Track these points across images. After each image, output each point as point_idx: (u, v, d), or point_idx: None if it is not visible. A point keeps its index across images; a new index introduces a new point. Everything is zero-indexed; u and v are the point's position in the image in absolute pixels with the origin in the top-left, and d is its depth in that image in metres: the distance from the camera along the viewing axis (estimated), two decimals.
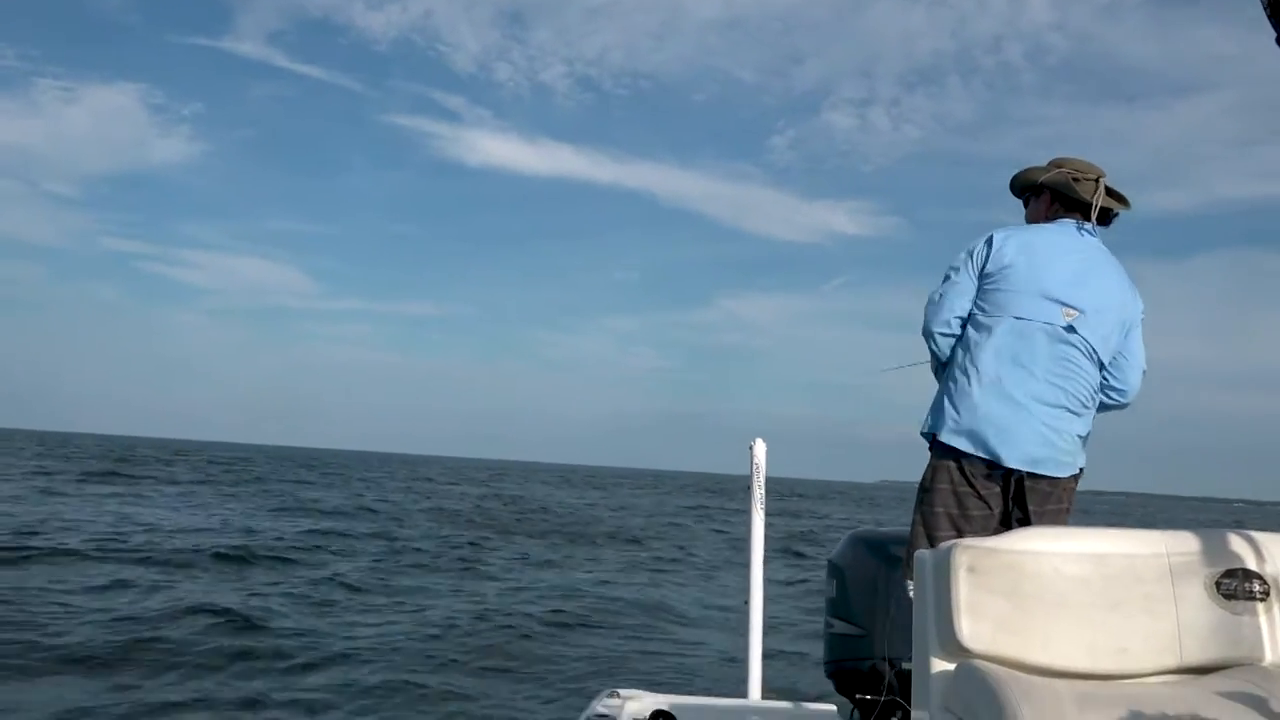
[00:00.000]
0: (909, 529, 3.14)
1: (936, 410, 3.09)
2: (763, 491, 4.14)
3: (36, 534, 15.23)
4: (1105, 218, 3.16)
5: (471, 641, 9.31)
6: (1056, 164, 3.21)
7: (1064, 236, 3.09)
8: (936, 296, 3.14)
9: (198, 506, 23.91)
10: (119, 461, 47.13)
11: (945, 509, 2.97)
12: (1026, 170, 3.30)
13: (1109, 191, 3.14)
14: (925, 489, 3.05)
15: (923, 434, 3.13)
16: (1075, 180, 3.13)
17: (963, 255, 3.12)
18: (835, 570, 3.75)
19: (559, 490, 52.33)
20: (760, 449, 4.16)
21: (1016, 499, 2.96)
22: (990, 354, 2.97)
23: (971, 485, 2.95)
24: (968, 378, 3.00)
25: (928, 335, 3.17)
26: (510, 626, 10.03)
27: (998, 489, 2.95)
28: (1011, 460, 2.92)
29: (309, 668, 8.03)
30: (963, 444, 2.96)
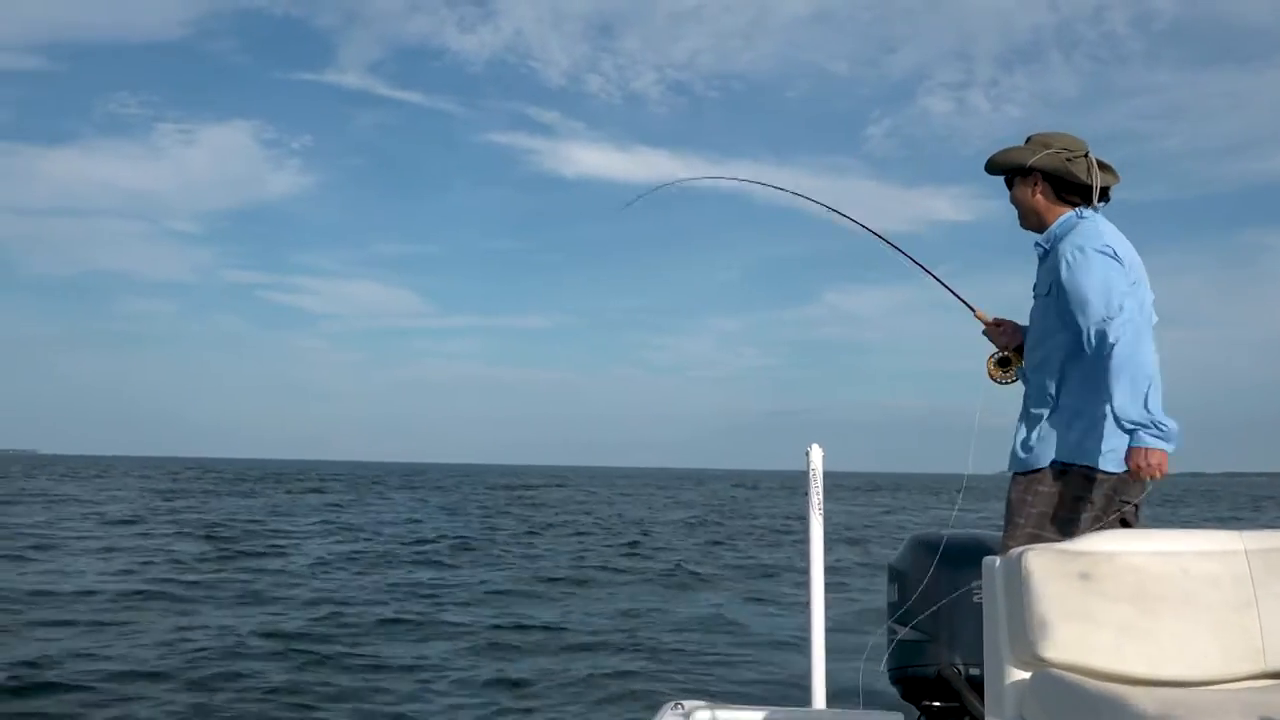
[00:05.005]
0: (971, 530, 3.09)
1: (1073, 445, 2.86)
2: (820, 496, 4.09)
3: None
4: (1104, 195, 3.02)
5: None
6: (1042, 142, 3.03)
7: (1110, 225, 3.00)
8: (1124, 314, 2.76)
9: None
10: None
11: (1055, 510, 2.86)
12: (1008, 150, 3.11)
13: (1100, 165, 3.00)
14: (1037, 491, 2.88)
15: (1064, 464, 2.88)
16: (1069, 161, 2.98)
17: (1105, 272, 2.82)
18: (896, 574, 3.68)
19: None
20: (817, 454, 4.11)
21: (1130, 489, 2.88)
22: (1133, 376, 2.78)
23: (1091, 488, 2.84)
24: (1109, 403, 2.77)
25: (1132, 362, 2.74)
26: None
27: (1111, 486, 2.86)
28: None
29: None
30: (1105, 465, 2.81)
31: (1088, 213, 3.00)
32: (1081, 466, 2.84)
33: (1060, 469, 2.88)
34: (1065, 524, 2.83)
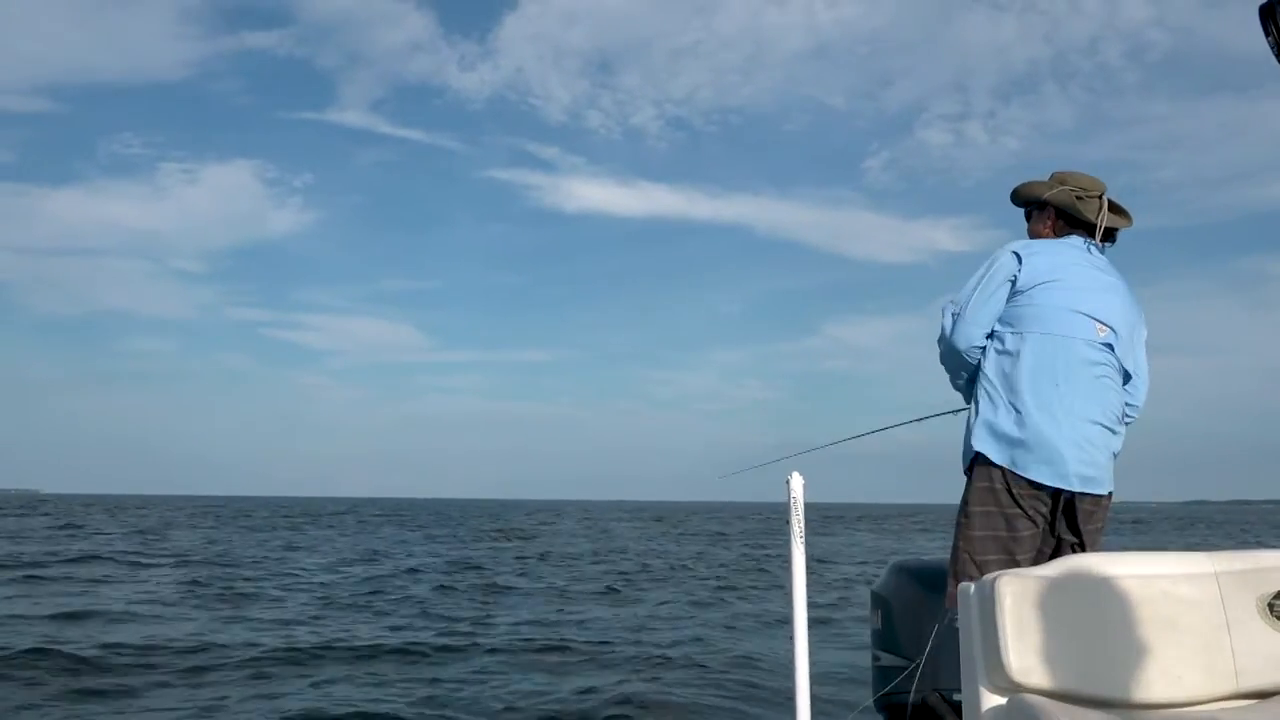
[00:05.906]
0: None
1: (983, 435, 2.95)
2: (802, 525, 4.09)
3: None
4: (1109, 235, 3.14)
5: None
6: (1060, 179, 3.17)
7: (1081, 253, 3.08)
8: (962, 310, 3.04)
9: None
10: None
11: (994, 532, 2.88)
12: (1030, 184, 3.26)
13: (1112, 207, 3.11)
14: (969, 513, 2.94)
15: (970, 461, 2.99)
16: (1079, 199, 3.10)
17: (989, 268, 3.04)
18: (879, 601, 3.68)
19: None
20: (797, 482, 4.11)
21: (1067, 519, 2.91)
22: (1034, 372, 2.90)
23: (1020, 505, 2.86)
24: (1014, 398, 2.90)
25: (955, 353, 3.06)
26: None
27: (1045, 507, 2.89)
28: (1069, 482, 2.86)
29: None
30: (1020, 470, 2.86)
31: (1094, 246, 3.10)
32: (1022, 479, 2.87)
33: (1000, 479, 2.90)
34: (1004, 543, 2.86)
